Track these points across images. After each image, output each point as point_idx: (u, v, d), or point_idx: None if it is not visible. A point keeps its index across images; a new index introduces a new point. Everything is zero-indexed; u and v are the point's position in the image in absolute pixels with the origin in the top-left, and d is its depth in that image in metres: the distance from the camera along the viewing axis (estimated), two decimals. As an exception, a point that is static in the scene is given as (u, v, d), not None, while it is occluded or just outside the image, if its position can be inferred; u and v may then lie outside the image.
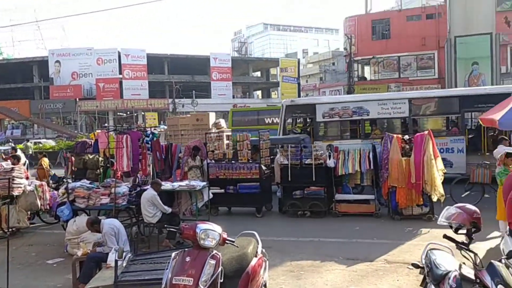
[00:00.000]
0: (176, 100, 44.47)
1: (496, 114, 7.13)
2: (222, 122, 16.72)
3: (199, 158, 10.87)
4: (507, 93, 12.03)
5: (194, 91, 44.82)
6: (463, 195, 10.66)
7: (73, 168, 11.21)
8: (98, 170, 11.08)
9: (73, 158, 11.30)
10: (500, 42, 25.34)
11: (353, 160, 10.01)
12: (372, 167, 9.92)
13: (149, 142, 9.51)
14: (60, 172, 14.07)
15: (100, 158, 11.06)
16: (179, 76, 47.83)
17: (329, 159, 10.18)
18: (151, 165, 9.75)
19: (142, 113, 44.89)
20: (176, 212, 8.48)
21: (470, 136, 13.42)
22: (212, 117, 17.70)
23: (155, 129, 11.41)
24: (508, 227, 5.34)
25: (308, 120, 15.53)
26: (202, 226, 4.02)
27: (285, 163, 10.45)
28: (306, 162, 10.31)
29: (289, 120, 15.27)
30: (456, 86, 23.35)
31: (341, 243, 8.05)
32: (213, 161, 10.99)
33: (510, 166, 7.64)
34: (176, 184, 8.80)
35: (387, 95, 17.77)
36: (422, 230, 8.43)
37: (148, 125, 21.79)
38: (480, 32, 22.91)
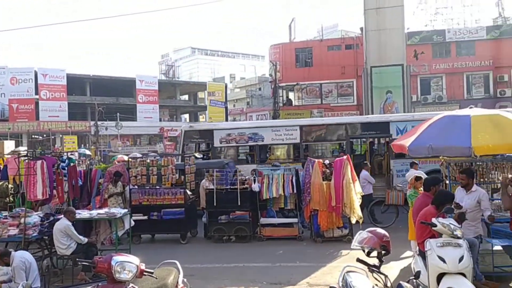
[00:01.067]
0: (99, 123, 42.71)
1: (406, 141, 7.65)
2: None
3: (121, 184, 10.46)
4: (385, 122, 14.14)
5: (118, 114, 43.39)
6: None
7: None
8: (8, 198, 10.24)
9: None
10: (410, 73, 27.53)
11: (277, 184, 10.20)
12: (295, 191, 10.17)
13: (65, 168, 8.99)
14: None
15: (10, 186, 10.25)
16: (103, 98, 46.13)
17: (254, 183, 10.29)
18: (67, 192, 9.20)
19: (60, 135, 42.50)
20: (93, 242, 8.02)
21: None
22: (9, 145, 17.09)
23: (72, 154, 10.83)
24: (418, 247, 5.66)
25: (206, 145, 15.69)
26: (118, 258, 3.82)
27: (211, 187, 10.39)
28: (231, 187, 10.33)
29: (188, 145, 15.38)
30: (372, 113, 24.87)
31: (265, 267, 8.08)
32: (136, 187, 10.62)
33: (419, 189, 8.21)
34: (94, 212, 8.37)
35: (280, 122, 18.88)
36: (342, 252, 8.72)
37: (66, 149, 20.66)
38: (393, 63, 24.77)
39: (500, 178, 7.68)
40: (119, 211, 8.46)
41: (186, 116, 62.04)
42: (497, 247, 6.50)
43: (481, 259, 6.44)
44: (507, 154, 7.74)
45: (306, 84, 35.49)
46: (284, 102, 37.97)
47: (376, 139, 15.86)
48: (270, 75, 39.12)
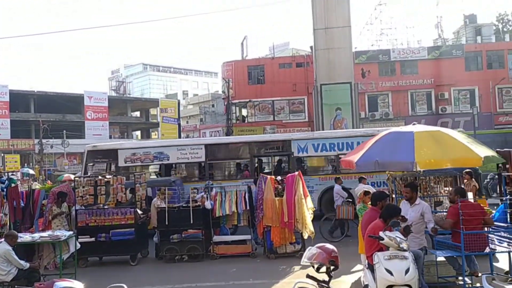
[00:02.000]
0: (44, 141, 40.94)
1: (354, 156, 7.87)
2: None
3: (66, 204, 10.02)
4: (287, 140, 14.77)
5: (65, 131, 41.83)
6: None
7: None
8: None
9: None
10: (358, 90, 28.49)
11: (229, 201, 10.15)
12: (248, 207, 10.16)
13: (4, 190, 8.50)
14: None
15: None
16: (48, 114, 44.36)
17: (207, 200, 10.19)
18: (8, 214, 8.70)
19: (2, 154, 40.31)
20: (36, 267, 7.58)
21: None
22: None
23: (13, 174, 10.29)
24: (367, 260, 5.79)
25: (111, 165, 15.25)
26: (61, 284, 3.66)
27: (162, 206, 10.17)
28: (184, 205, 10.17)
29: (91, 165, 14.92)
30: (323, 129, 25.44)
31: (218, 286, 7.97)
32: (82, 207, 10.21)
33: (368, 203, 8.44)
34: (37, 235, 7.94)
35: (185, 141, 18.92)
36: (295, 268, 8.75)
37: (8, 169, 19.60)
38: (342, 81, 25.54)
39: (442, 191, 8.08)
40: (63, 233, 8.10)
41: (138, 133, 60.87)
42: (441, 258, 6.78)
43: (426, 270, 6.69)
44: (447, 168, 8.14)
45: (259, 101, 35.88)
46: (237, 118, 38.13)
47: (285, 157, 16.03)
48: (223, 92, 39.25)
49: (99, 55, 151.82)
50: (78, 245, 8.47)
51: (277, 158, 15.67)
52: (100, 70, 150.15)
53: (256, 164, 15.29)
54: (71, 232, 8.44)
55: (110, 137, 47.75)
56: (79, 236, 9.36)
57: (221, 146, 15.53)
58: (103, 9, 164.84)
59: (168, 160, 14.67)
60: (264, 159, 16.32)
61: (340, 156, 14.17)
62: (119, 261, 10.14)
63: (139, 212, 10.46)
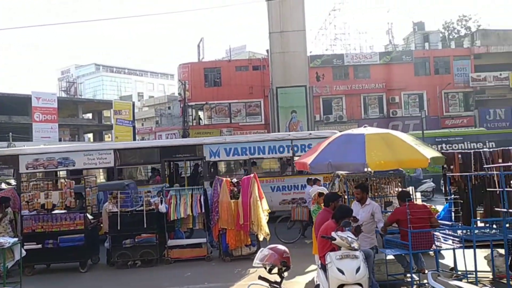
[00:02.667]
0: (-11, 143, 38.89)
1: (308, 158, 7.99)
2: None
3: (10, 210, 9.54)
4: (199, 144, 14.77)
5: (11, 134, 39.90)
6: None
7: None
8: None
9: None
10: (313, 94, 29.01)
11: (184, 205, 10.02)
12: (203, 210, 10.08)
13: None
14: None
15: None
16: (-7, 116, 42.21)
17: (161, 204, 10.01)
18: None
19: None
20: (-23, 277, 7.19)
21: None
22: None
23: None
24: (320, 260, 5.88)
25: (12, 171, 14.81)
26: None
27: (114, 210, 9.90)
28: (137, 209, 9.95)
29: None
30: (279, 131, 25.72)
31: (172, 291, 7.84)
32: (29, 213, 9.75)
33: (322, 204, 8.59)
34: (-22, 243, 7.50)
35: (93, 145, 18.27)
36: (250, 270, 8.76)
37: None
38: (297, 84, 25.94)
39: (392, 192, 8.36)
40: (7, 240, 7.69)
41: (90, 135, 59.05)
42: (390, 257, 7.01)
43: (376, 268, 6.89)
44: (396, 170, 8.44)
45: (215, 104, 35.76)
46: (193, 120, 37.79)
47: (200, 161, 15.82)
48: (179, 94, 38.80)
49: (48, 54, 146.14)
50: (24, 252, 8.08)
51: (193, 162, 15.65)
52: (49, 70, 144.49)
53: (167, 169, 15.20)
54: (16, 239, 8.04)
55: (60, 140, 46.04)
56: (25, 243, 8.97)
57: (131, 150, 15.15)
58: (53, 6, 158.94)
59: (74, 166, 14.03)
60: (181, 164, 16.18)
61: (252, 160, 14.64)
62: (68, 269, 9.77)
63: (90, 217, 10.13)
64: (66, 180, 10.24)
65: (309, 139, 14.40)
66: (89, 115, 57.27)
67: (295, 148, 14.25)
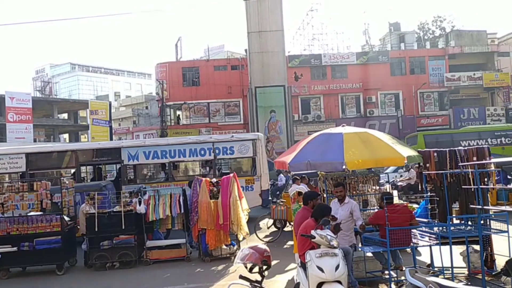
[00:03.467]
0: (-41, 145, 37.74)
1: (287, 157, 8.04)
2: None
3: (-16, 213, 9.30)
4: (117, 148, 14.41)
5: (-17, 134, 38.83)
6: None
7: None
8: None
9: None
10: (291, 93, 29.15)
11: (163, 205, 9.94)
12: (182, 210, 10.01)
13: None
14: None
15: None
16: (-36, 116, 40.97)
17: (139, 205, 9.91)
18: None
19: None
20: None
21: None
22: None
23: None
24: (299, 259, 5.92)
25: None
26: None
27: (92, 211, 9.74)
28: (114, 210, 9.81)
29: None
30: (258, 131, 25.75)
31: (151, 293, 7.77)
32: (3, 215, 9.51)
33: (301, 203, 8.64)
34: (-51, 247, 7.29)
35: (3, 149, 16.75)
36: (230, 270, 8.76)
37: None
38: (275, 84, 26.03)
39: (370, 190, 8.48)
40: (-19, 244, 7.50)
41: (66, 136, 58.00)
42: (369, 254, 7.11)
43: (355, 266, 6.98)
44: (373, 168, 8.56)
45: (194, 103, 35.57)
46: (171, 120, 37.49)
47: (115, 165, 15.79)
48: (157, 93, 38.44)
49: (22, 53, 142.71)
50: (-2, 256, 7.89)
51: (112, 166, 15.26)
52: (23, 70, 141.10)
53: (95, 172, 14.90)
54: (-11, 243, 7.83)
55: (35, 140, 45.05)
56: (0, 246, 8.73)
57: (44, 155, 14.47)
58: (27, 4, 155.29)
59: None
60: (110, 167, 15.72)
61: (173, 163, 14.51)
62: (45, 271, 9.58)
63: (66, 218, 9.95)
64: (42, 181, 10.01)
65: (231, 141, 14.30)
66: (65, 115, 56.26)
67: (217, 151, 14.06)
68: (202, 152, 14.18)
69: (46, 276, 9.35)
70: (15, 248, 9.14)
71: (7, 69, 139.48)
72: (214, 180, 10.49)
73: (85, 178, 15.79)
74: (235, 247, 9.77)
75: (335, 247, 5.27)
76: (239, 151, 14.19)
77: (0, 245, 8.85)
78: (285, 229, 11.68)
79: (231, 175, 10.07)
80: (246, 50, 31.11)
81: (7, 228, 9.24)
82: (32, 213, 9.67)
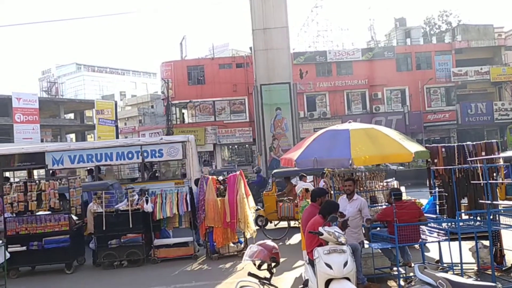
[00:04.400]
0: (-32, 146, 38.04)
1: (293, 154, 8.02)
2: None
3: (-7, 213, 9.37)
4: (40, 152, 13.90)
5: (-9, 135, 39.13)
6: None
7: None
8: None
9: None
10: (297, 91, 29.05)
11: (170, 203, 9.96)
12: (189, 209, 10.03)
13: None
14: None
15: None
16: (-28, 117, 41.30)
17: (147, 203, 9.93)
18: None
19: None
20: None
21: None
22: None
23: None
24: (307, 256, 5.91)
25: None
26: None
27: (99, 211, 9.79)
28: (122, 208, 9.85)
29: None
30: (264, 129, 25.69)
31: (159, 291, 7.79)
32: (12, 215, 9.58)
33: (308, 200, 8.60)
34: (-41, 247, 7.35)
35: None
36: (238, 267, 8.77)
37: None
38: (281, 81, 25.89)
39: (377, 186, 8.43)
40: (-10, 243, 7.55)
41: (72, 136, 58.29)
42: (377, 251, 7.08)
43: (363, 262, 6.95)
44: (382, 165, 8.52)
45: (199, 102, 35.59)
46: (177, 119, 37.55)
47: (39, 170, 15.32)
48: (163, 92, 38.49)
49: (28, 54, 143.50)
50: (8, 255, 7.94)
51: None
52: (30, 70, 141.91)
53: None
54: (-1, 242, 7.90)
55: (42, 141, 45.34)
56: (9, 245, 8.83)
57: None
58: (32, 5, 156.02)
59: None
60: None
61: (99, 167, 14.28)
62: (54, 270, 9.65)
63: (74, 217, 10.00)
64: (49, 181, 10.07)
65: (160, 144, 14.04)
66: (71, 115, 56.53)
67: (145, 154, 13.84)
68: (130, 155, 13.92)
69: (55, 275, 9.41)
70: (24, 248, 9.22)
71: (14, 70, 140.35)
72: (220, 178, 10.49)
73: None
74: (242, 245, 9.77)
75: (343, 244, 5.25)
76: (168, 153, 13.85)
77: (9, 245, 8.89)
78: (292, 226, 11.67)
79: (238, 173, 10.07)
80: (250, 48, 31.01)
81: (16, 228, 9.32)
82: (40, 213, 9.73)
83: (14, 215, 9.59)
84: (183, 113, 39.10)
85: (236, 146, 36.61)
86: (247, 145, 35.64)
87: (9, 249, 8.52)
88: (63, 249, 9.37)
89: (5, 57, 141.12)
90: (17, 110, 43.93)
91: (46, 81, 67.26)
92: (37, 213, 9.76)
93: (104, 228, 9.57)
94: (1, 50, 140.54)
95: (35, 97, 47.38)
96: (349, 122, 8.26)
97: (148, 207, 9.83)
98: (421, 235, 6.76)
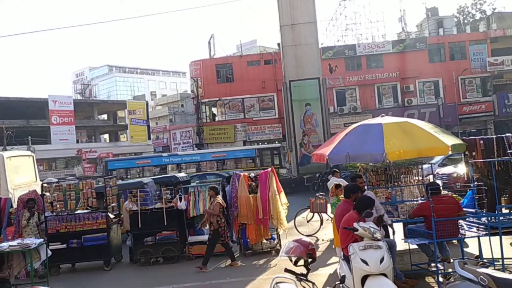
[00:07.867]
0: (8, 148, 39.58)
1: (325, 149, 7.95)
2: None
3: (36, 211, 9.71)
4: None
5: (30, 137, 40.56)
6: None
7: None
8: None
9: None
10: (326, 86, 28.79)
11: (203, 201, 10.06)
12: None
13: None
14: None
15: None
16: (11, 121, 42.89)
17: (180, 201, 10.07)
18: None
19: (-36, 163, 38.62)
20: (6, 277, 7.33)
21: None
22: None
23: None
24: (342, 252, 5.85)
25: None
26: (33, 292, 3.52)
27: (135, 209, 10.01)
28: (156, 206, 10.03)
29: None
30: (293, 125, 25.58)
31: (194, 287, 7.90)
32: (52, 214, 9.92)
33: (340, 196, 8.53)
34: (5, 245, 7.64)
35: None
36: (271, 264, 8.78)
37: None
38: (310, 77, 25.71)
39: (412, 181, 8.25)
40: (33, 241, 7.82)
41: (106, 136, 59.74)
42: (413, 246, 6.94)
43: (399, 258, 6.83)
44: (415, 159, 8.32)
45: (228, 99, 35.81)
46: (207, 117, 37.92)
47: None
48: (192, 91, 38.94)
49: (62, 58, 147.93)
50: (49, 253, 8.21)
51: None
52: (64, 74, 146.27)
53: None
54: (41, 240, 8.17)
55: (78, 142, 46.71)
56: (50, 243, 9.11)
57: None
58: (64, 11, 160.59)
59: None
60: None
61: None
62: (93, 267, 9.94)
63: (111, 216, 10.26)
64: (86, 180, 10.36)
65: None
66: (104, 116, 57.91)
67: None
68: None
69: (94, 272, 9.68)
70: (64, 245, 9.52)
71: (49, 73, 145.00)
72: (252, 175, 10.52)
73: None
74: (275, 241, 9.78)
75: (379, 240, 5.17)
76: None
77: (50, 243, 9.20)
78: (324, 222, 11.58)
79: (269, 169, 10.07)
80: (278, 44, 30.91)
81: (56, 226, 9.64)
82: (79, 211, 10.03)
83: (54, 214, 9.93)
84: (212, 111, 39.44)
85: (266, 143, 36.66)
86: (276, 142, 35.64)
87: (50, 247, 8.80)
88: (101, 247, 9.63)
89: (40, 61, 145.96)
90: (53, 112, 45.40)
91: (80, 84, 69.19)
92: (76, 212, 10.08)
93: (139, 226, 9.78)
94: (37, 54, 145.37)
95: (70, 99, 48.90)
96: (382, 116, 8.11)
97: (181, 205, 9.97)
98: (460, 230, 6.58)
